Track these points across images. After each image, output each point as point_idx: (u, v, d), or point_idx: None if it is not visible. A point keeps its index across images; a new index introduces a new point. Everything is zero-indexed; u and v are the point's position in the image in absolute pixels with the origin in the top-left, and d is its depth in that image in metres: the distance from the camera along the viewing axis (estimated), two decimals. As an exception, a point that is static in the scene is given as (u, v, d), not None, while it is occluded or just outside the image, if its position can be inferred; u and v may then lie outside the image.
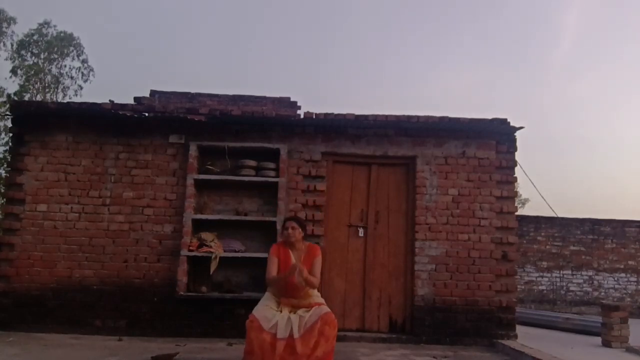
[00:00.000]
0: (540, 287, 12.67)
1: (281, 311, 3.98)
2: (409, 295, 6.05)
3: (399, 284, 6.13)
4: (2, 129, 15.51)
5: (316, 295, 4.19)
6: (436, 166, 6.21)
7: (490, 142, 6.29)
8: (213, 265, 5.71)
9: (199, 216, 5.94)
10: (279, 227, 5.76)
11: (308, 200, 6.07)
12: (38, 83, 17.56)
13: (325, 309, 4.03)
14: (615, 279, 12.77)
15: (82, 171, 6.04)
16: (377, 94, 52.67)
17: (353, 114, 6.10)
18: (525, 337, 6.13)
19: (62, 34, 18.02)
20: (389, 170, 6.36)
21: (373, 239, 6.21)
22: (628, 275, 12.80)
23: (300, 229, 4.23)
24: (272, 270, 4.12)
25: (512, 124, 6.23)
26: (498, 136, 6.31)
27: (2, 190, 12.39)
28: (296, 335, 3.78)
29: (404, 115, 6.12)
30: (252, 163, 6.08)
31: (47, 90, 17.77)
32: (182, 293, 5.67)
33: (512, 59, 52.93)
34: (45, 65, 17.83)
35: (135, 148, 6.12)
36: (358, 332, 5.93)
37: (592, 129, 46.26)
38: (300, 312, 3.99)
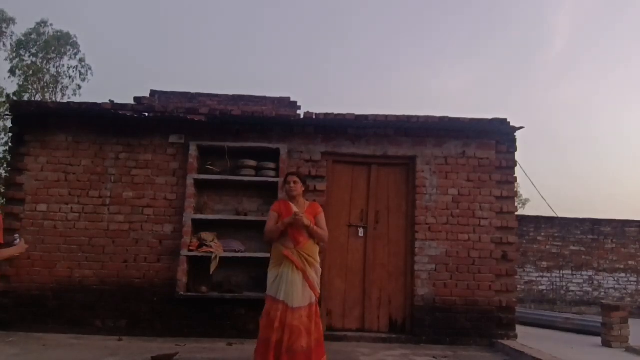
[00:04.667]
0: (540, 287, 12.66)
1: (281, 280, 3.96)
2: (409, 295, 6.05)
3: (399, 284, 6.13)
4: (2, 129, 15.49)
5: (318, 272, 4.12)
6: (436, 166, 6.21)
7: (490, 142, 6.29)
8: (213, 265, 5.71)
9: (199, 216, 5.94)
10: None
11: (308, 200, 6.05)
12: (37, 83, 17.52)
13: (313, 297, 4.03)
14: (615, 279, 12.76)
15: (82, 171, 6.04)
16: (377, 94, 52.69)
17: (353, 114, 6.10)
18: (525, 337, 6.13)
19: (59, 33, 17.98)
20: (389, 170, 6.36)
21: (373, 239, 6.21)
22: (628, 275, 12.79)
23: (301, 184, 4.23)
24: (272, 223, 4.10)
25: (512, 124, 6.24)
26: (498, 136, 6.31)
27: (2, 190, 12.38)
28: (290, 303, 3.89)
29: (404, 115, 6.13)
30: (252, 163, 6.08)
31: (45, 90, 17.74)
32: (182, 293, 5.67)
33: (513, 58, 52.95)
34: (43, 64, 17.80)
35: (135, 148, 6.11)
36: (358, 332, 5.93)
37: (593, 129, 46.28)
38: (298, 276, 3.97)
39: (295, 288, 3.93)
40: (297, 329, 3.85)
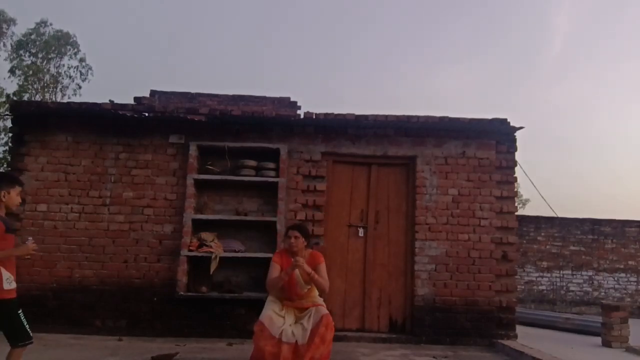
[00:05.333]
0: (540, 287, 12.66)
1: (284, 317, 4.00)
2: (409, 295, 6.05)
3: (399, 284, 6.13)
4: (2, 129, 15.48)
5: (317, 297, 4.20)
6: (436, 166, 6.21)
7: (490, 142, 6.29)
8: (213, 265, 5.71)
9: (199, 216, 5.94)
10: (279, 226, 5.78)
11: (308, 200, 6.07)
12: (37, 83, 17.52)
13: (324, 310, 4.03)
14: (615, 279, 12.76)
15: (82, 171, 6.04)
16: (378, 94, 52.71)
17: (353, 114, 6.10)
18: (525, 337, 6.13)
19: (59, 33, 17.97)
20: (389, 170, 6.36)
21: (373, 239, 6.21)
22: (628, 275, 12.78)
23: (302, 239, 4.19)
24: (274, 273, 4.09)
25: (512, 124, 6.24)
26: (498, 136, 6.31)
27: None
28: (300, 341, 3.86)
29: (404, 115, 6.13)
30: (252, 163, 6.08)
31: (45, 90, 17.73)
32: (182, 293, 5.67)
33: (513, 58, 52.96)
34: (43, 64, 17.80)
35: (135, 148, 6.11)
36: (358, 332, 5.93)
37: (593, 129, 46.30)
38: (303, 319, 4.00)
39: (301, 326, 3.93)
40: (314, 344, 3.83)
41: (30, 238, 3.42)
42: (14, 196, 3.34)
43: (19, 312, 3.21)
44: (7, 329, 3.17)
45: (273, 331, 3.88)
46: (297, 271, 4.02)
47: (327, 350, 3.93)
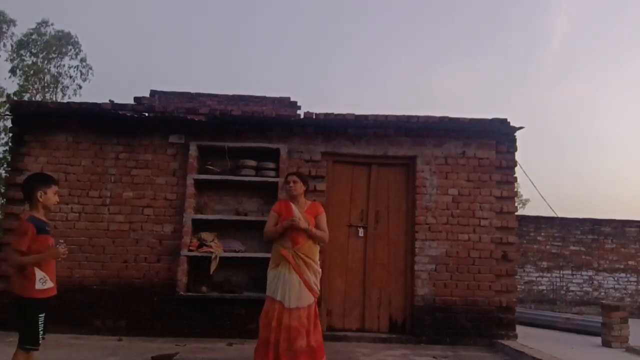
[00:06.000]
0: (540, 287, 12.65)
1: (280, 281, 3.99)
2: (409, 295, 6.05)
3: (399, 284, 6.13)
4: (2, 129, 15.48)
5: (317, 274, 4.12)
6: (436, 166, 6.21)
7: (490, 142, 6.29)
8: (213, 265, 5.71)
9: (199, 216, 5.94)
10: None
11: (309, 200, 6.06)
12: (37, 83, 17.51)
13: (310, 299, 4.04)
14: (615, 279, 12.75)
15: (82, 171, 6.04)
16: (378, 94, 52.71)
17: (353, 114, 6.10)
18: (525, 337, 6.13)
19: (60, 33, 17.96)
20: (389, 170, 6.36)
21: (373, 239, 6.21)
22: (628, 275, 12.77)
23: (301, 183, 4.24)
24: (271, 224, 4.15)
25: (512, 124, 6.24)
26: (498, 136, 6.31)
27: (2, 190, 12.38)
28: (286, 304, 3.92)
29: (404, 115, 6.13)
30: (252, 163, 6.09)
31: (46, 90, 17.72)
32: (182, 293, 5.68)
33: (512, 58, 52.96)
34: (44, 64, 17.80)
35: (135, 148, 6.12)
36: (358, 332, 5.93)
37: (593, 128, 46.29)
38: (295, 277, 3.98)
39: (293, 289, 3.95)
40: (295, 329, 3.87)
41: (62, 241, 3.37)
42: (50, 196, 3.27)
43: (41, 315, 3.17)
44: (23, 327, 3.15)
45: (270, 293, 4.01)
46: (300, 215, 4.07)
47: (320, 335, 4.04)
